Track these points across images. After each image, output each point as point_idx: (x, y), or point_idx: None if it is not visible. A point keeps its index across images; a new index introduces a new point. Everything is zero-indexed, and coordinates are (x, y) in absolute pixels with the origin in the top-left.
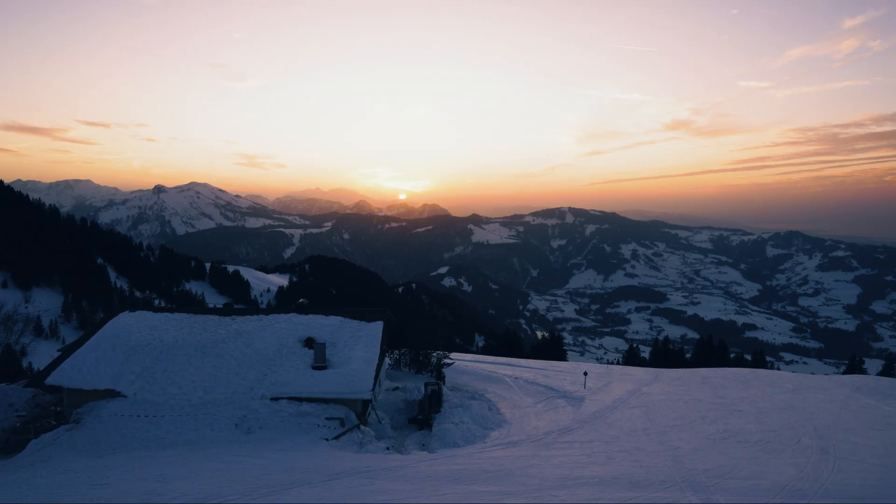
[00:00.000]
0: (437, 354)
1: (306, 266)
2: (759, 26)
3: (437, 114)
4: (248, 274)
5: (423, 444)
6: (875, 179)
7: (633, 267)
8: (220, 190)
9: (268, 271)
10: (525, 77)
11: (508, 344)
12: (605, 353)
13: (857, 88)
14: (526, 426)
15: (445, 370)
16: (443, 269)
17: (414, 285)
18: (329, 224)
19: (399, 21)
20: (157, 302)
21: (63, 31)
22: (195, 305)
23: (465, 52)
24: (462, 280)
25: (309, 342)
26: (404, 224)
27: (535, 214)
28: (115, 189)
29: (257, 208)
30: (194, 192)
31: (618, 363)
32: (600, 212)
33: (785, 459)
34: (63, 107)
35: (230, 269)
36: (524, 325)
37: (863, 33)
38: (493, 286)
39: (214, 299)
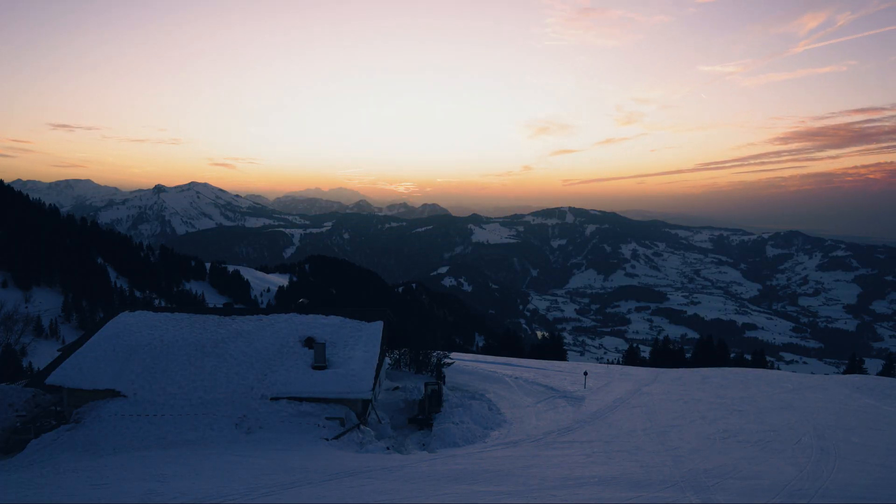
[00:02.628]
0: (437, 354)
1: (306, 266)
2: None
3: (402, 115)
4: (248, 274)
5: (424, 444)
6: (861, 177)
7: (633, 267)
8: (221, 190)
9: (268, 271)
10: (473, 75)
11: (508, 344)
12: (605, 353)
13: (836, 75)
14: (526, 426)
15: (445, 370)
16: (443, 269)
17: (414, 285)
18: (329, 224)
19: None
20: (157, 302)
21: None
22: (195, 305)
23: (411, 48)
24: (462, 280)
25: (309, 342)
26: (404, 224)
27: (535, 214)
28: (115, 189)
29: (257, 208)
30: (194, 192)
31: (618, 363)
32: (600, 212)
33: (785, 459)
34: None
35: (230, 269)
36: (524, 325)
37: (829, 6)
38: (493, 286)
39: (214, 299)
